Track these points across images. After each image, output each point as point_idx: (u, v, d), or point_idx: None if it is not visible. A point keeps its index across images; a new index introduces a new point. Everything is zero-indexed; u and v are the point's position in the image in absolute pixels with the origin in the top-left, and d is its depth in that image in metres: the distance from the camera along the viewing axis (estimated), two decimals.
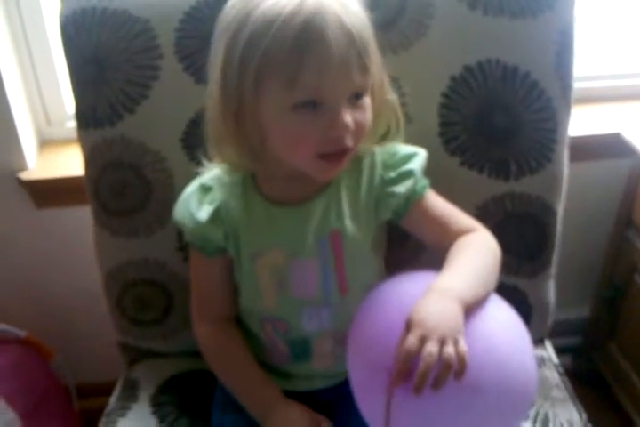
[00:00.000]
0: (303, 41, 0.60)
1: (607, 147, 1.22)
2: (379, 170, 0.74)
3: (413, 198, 0.74)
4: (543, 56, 0.84)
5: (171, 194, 0.85)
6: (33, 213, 1.17)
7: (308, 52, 0.60)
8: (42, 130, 1.18)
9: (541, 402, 0.86)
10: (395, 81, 0.75)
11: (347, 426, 0.78)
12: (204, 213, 0.74)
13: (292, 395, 0.78)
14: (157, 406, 0.88)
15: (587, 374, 1.38)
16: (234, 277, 0.79)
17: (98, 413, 0.90)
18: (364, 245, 0.75)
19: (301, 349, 0.79)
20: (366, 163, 0.75)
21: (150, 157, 0.85)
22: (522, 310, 0.69)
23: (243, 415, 0.79)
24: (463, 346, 0.56)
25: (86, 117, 0.85)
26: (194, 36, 0.82)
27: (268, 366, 0.81)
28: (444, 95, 0.84)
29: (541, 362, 0.93)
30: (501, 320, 0.65)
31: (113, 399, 0.91)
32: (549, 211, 0.88)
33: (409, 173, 0.74)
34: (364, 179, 0.74)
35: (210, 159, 0.76)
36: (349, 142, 0.65)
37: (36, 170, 1.13)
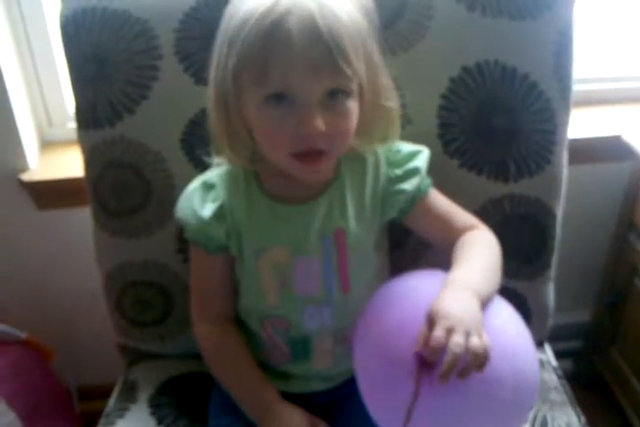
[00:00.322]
0: (270, 39, 0.61)
1: (608, 149, 1.22)
2: (383, 168, 0.75)
3: (419, 196, 0.75)
4: (542, 57, 0.84)
5: (170, 194, 0.85)
6: (34, 215, 1.18)
7: (273, 50, 0.61)
8: (43, 131, 1.19)
9: (540, 405, 0.86)
10: (393, 82, 0.75)
11: None
12: (207, 210, 0.74)
13: (289, 397, 0.78)
14: (156, 407, 0.88)
15: (588, 378, 1.37)
16: (234, 275, 0.79)
17: (98, 414, 0.90)
18: (368, 244, 0.75)
19: (301, 348, 0.79)
20: (370, 162, 0.75)
21: (150, 157, 0.85)
22: (521, 312, 0.70)
23: (239, 417, 0.78)
24: (486, 338, 0.58)
25: (86, 118, 0.85)
26: (193, 37, 0.82)
27: (267, 367, 0.81)
28: (443, 97, 0.84)
29: (540, 365, 0.92)
30: (509, 315, 0.67)
31: (112, 401, 0.91)
32: (548, 213, 0.88)
33: (415, 171, 0.74)
34: (369, 177, 0.74)
35: (215, 157, 0.77)
36: (322, 144, 0.65)
37: (38, 171, 1.13)
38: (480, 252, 0.71)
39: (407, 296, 0.66)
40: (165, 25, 0.83)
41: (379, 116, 0.71)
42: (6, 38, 1.07)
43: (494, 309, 0.65)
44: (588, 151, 1.19)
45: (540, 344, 0.96)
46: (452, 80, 0.83)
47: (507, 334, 0.64)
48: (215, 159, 0.76)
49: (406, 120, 0.78)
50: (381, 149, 0.75)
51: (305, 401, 0.78)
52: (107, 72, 0.83)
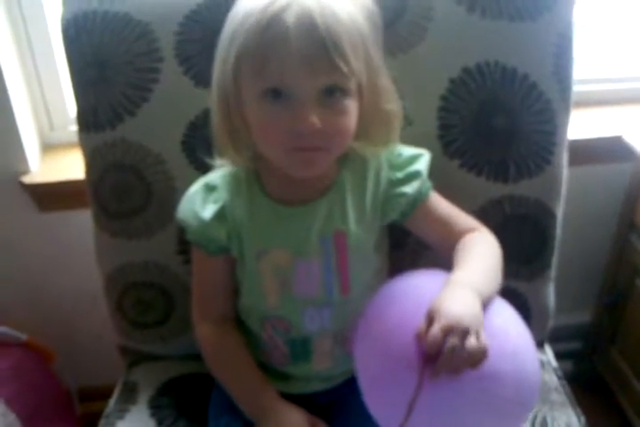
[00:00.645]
0: (268, 33, 0.61)
1: (608, 150, 1.22)
2: (384, 171, 0.75)
3: (419, 199, 0.75)
4: (542, 58, 0.84)
5: (171, 196, 0.85)
6: (35, 217, 1.18)
7: (270, 45, 0.62)
8: (45, 133, 1.19)
9: (540, 406, 0.86)
10: (393, 83, 0.75)
11: None
12: (208, 211, 0.75)
13: (289, 397, 0.78)
14: (156, 408, 0.88)
15: (588, 379, 1.37)
16: (235, 276, 0.79)
17: (99, 416, 0.90)
18: (368, 246, 0.76)
19: (301, 349, 0.79)
20: (372, 164, 0.75)
21: (151, 159, 0.86)
22: (521, 313, 0.70)
23: (239, 417, 0.79)
24: (484, 338, 0.58)
25: (87, 120, 0.86)
26: (194, 40, 0.83)
27: (267, 368, 0.81)
28: (443, 98, 0.84)
29: (541, 366, 0.92)
30: (509, 315, 0.68)
31: (112, 402, 0.91)
32: (548, 214, 0.88)
33: (416, 174, 0.75)
34: (370, 180, 0.75)
35: (217, 158, 0.77)
36: (318, 142, 0.65)
37: (39, 173, 1.13)
38: (481, 253, 0.72)
39: (409, 295, 0.67)
40: (166, 28, 0.83)
41: (379, 119, 0.71)
42: (7, 40, 1.07)
43: (495, 309, 0.66)
44: (588, 152, 1.19)
45: (540, 345, 0.96)
46: (452, 81, 0.83)
47: (507, 333, 0.64)
48: (217, 161, 0.76)
49: (406, 121, 0.78)
50: (383, 152, 0.75)
51: (304, 401, 0.78)
52: (108, 75, 0.83)
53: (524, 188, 0.86)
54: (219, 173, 0.78)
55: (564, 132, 0.87)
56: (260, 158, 0.73)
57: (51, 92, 1.16)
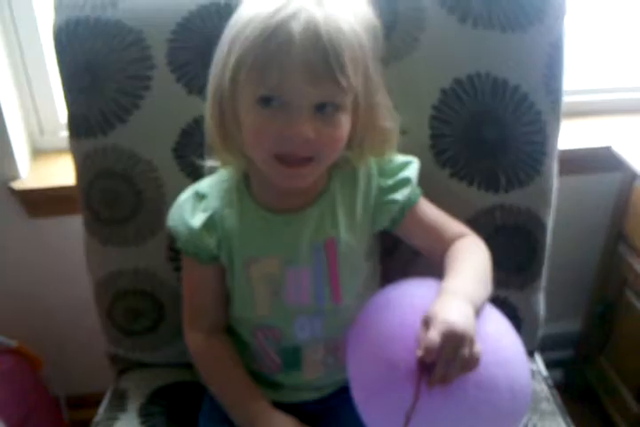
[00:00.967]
0: (271, 40, 0.61)
1: (598, 160, 1.23)
2: (375, 178, 0.75)
3: (409, 206, 0.76)
4: (533, 69, 0.84)
5: (162, 203, 0.85)
6: (25, 223, 1.17)
7: (273, 52, 0.61)
8: (35, 139, 1.18)
9: (530, 415, 0.86)
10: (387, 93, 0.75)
11: None
12: (197, 220, 0.74)
13: (280, 406, 0.78)
14: (146, 416, 0.87)
15: (578, 388, 1.37)
16: (226, 285, 0.79)
17: (87, 423, 0.90)
18: (359, 253, 0.76)
19: (292, 358, 0.79)
20: (362, 171, 0.75)
21: (142, 166, 0.85)
22: (512, 322, 0.70)
23: (230, 425, 0.78)
24: (478, 347, 0.59)
25: (78, 126, 0.85)
26: (186, 47, 0.83)
27: (258, 376, 0.81)
28: (435, 108, 0.84)
29: (531, 375, 0.93)
30: (501, 323, 0.69)
31: (101, 409, 0.90)
32: (539, 223, 0.89)
33: (405, 181, 0.75)
34: (361, 187, 0.75)
35: (209, 159, 0.77)
36: (307, 152, 0.65)
37: (29, 179, 1.13)
38: (472, 260, 0.72)
39: (403, 303, 0.67)
40: (158, 35, 0.83)
41: (374, 135, 0.71)
42: None
43: (487, 317, 0.66)
44: (578, 162, 1.20)
45: (530, 354, 0.96)
46: (444, 91, 0.84)
47: (500, 341, 0.65)
48: (208, 162, 0.76)
49: (399, 130, 0.78)
50: (373, 160, 0.76)
51: (295, 411, 0.78)
52: (99, 81, 0.83)
53: (515, 197, 0.87)
54: (208, 181, 0.78)
55: (555, 142, 0.88)
56: (252, 165, 0.73)
57: (41, 98, 1.15)
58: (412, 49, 0.83)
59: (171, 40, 0.83)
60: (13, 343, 1.20)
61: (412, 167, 0.76)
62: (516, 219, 0.88)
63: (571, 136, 1.14)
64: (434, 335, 0.58)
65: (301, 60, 0.61)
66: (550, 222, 0.90)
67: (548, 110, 0.85)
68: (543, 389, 0.91)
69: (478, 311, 0.65)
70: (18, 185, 1.11)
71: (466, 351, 0.58)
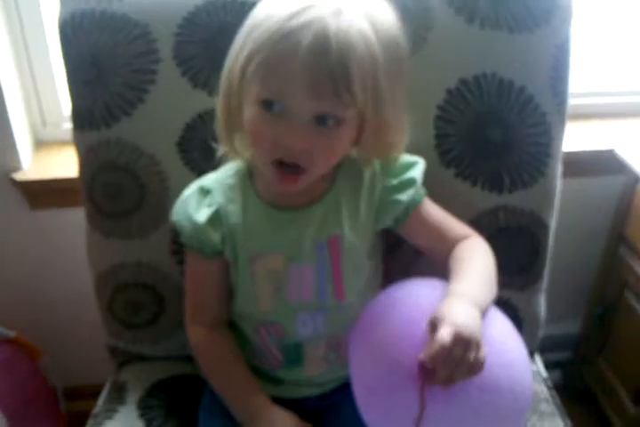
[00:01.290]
0: (280, 45, 0.60)
1: (601, 163, 1.23)
2: (380, 177, 0.75)
3: (413, 206, 0.75)
4: (539, 71, 0.84)
5: (165, 197, 0.85)
6: (26, 214, 1.17)
7: (280, 59, 0.61)
8: (37, 131, 1.18)
9: (529, 416, 0.86)
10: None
11: None
12: (202, 215, 0.74)
13: (280, 402, 0.78)
14: (145, 409, 0.87)
15: (576, 390, 1.38)
16: (229, 280, 0.79)
17: (84, 414, 0.90)
18: (362, 252, 0.76)
19: (294, 354, 0.79)
20: (367, 170, 0.75)
21: (145, 160, 0.85)
22: (513, 323, 0.71)
23: (230, 420, 0.78)
24: (483, 352, 0.59)
25: (82, 119, 0.85)
26: (192, 42, 0.82)
27: (259, 372, 0.81)
28: (440, 108, 0.84)
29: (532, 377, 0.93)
30: (506, 326, 0.69)
31: (100, 401, 0.91)
32: (541, 225, 0.89)
33: (410, 182, 0.75)
34: (365, 186, 0.75)
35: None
36: (302, 161, 0.65)
37: (31, 171, 1.13)
38: (478, 262, 0.72)
39: (409, 302, 0.67)
40: (164, 29, 0.82)
41: (376, 149, 0.71)
42: (3, 38, 1.07)
43: (492, 320, 0.66)
44: (581, 165, 1.20)
45: (530, 355, 0.96)
46: (450, 92, 0.84)
47: (504, 344, 0.65)
48: (220, 150, 0.75)
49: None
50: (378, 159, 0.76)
51: (296, 406, 0.78)
52: (104, 75, 0.83)
53: (518, 198, 0.87)
54: (213, 177, 0.78)
55: (559, 144, 0.87)
56: (255, 161, 0.73)
57: (44, 89, 1.15)
58: (419, 48, 0.83)
59: (177, 34, 0.82)
60: (11, 333, 1.20)
61: (417, 168, 0.76)
62: (520, 220, 0.88)
63: (574, 139, 1.14)
64: (443, 338, 0.57)
65: (305, 72, 0.60)
66: (553, 224, 0.90)
67: (554, 112, 0.85)
68: (543, 390, 0.91)
69: (484, 314, 0.64)
70: (20, 176, 1.11)
71: (472, 355, 0.58)
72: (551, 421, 0.86)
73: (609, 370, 1.29)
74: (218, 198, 0.75)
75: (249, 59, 0.63)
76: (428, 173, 0.77)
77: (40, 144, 1.19)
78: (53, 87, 1.15)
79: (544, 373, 0.95)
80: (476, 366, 0.58)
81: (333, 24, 0.60)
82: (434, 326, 0.60)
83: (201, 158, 0.84)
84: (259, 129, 0.65)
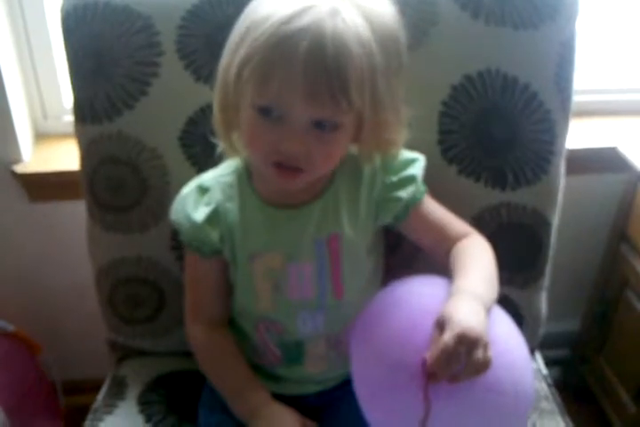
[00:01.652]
0: (277, 50, 0.59)
1: (603, 161, 1.23)
2: (379, 174, 0.75)
3: (413, 203, 0.75)
4: (544, 67, 0.84)
5: (166, 192, 0.85)
6: (26, 206, 1.17)
7: (276, 65, 0.60)
8: (38, 123, 1.18)
9: (530, 413, 0.86)
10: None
11: None
12: (200, 214, 0.74)
13: (281, 399, 0.78)
14: (145, 404, 0.87)
15: (574, 388, 1.38)
16: (228, 278, 0.79)
17: (83, 409, 0.90)
18: (361, 249, 0.75)
19: (294, 352, 0.79)
20: (367, 168, 0.75)
21: (147, 154, 0.85)
22: (514, 320, 0.70)
23: (229, 416, 0.78)
24: (489, 351, 0.58)
25: (84, 112, 0.85)
26: (195, 35, 0.82)
27: (259, 369, 0.81)
28: (444, 103, 0.84)
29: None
30: (509, 325, 0.68)
31: (100, 396, 0.90)
32: (544, 222, 0.88)
33: (411, 179, 0.74)
34: (365, 182, 0.74)
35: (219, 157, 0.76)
36: (299, 162, 0.65)
37: (31, 163, 1.12)
38: (480, 260, 0.72)
39: (410, 301, 0.66)
40: (167, 21, 0.82)
41: (376, 145, 0.70)
42: (4, 30, 1.06)
43: (496, 319, 0.65)
44: (583, 162, 1.20)
45: (530, 352, 0.96)
46: (454, 87, 0.83)
47: (507, 343, 0.65)
48: (220, 147, 0.75)
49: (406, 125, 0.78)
50: (378, 156, 0.75)
51: (296, 403, 0.78)
52: (107, 67, 0.83)
53: (521, 196, 0.87)
54: (211, 174, 0.78)
55: (563, 141, 0.87)
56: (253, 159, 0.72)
57: (45, 81, 1.15)
58: (423, 43, 0.83)
59: (180, 27, 0.82)
60: (10, 327, 1.19)
61: (417, 165, 0.75)
62: (522, 217, 0.87)
63: (577, 136, 1.13)
64: (450, 336, 0.57)
65: (302, 79, 0.59)
66: (556, 222, 0.90)
67: (558, 109, 0.85)
68: (543, 387, 0.91)
69: (488, 312, 0.64)
70: (20, 168, 1.11)
71: (479, 355, 0.57)
72: (551, 419, 0.86)
73: (609, 369, 1.29)
74: (216, 196, 0.75)
75: (244, 63, 0.62)
76: (430, 170, 0.77)
77: (41, 136, 1.18)
78: (54, 80, 1.14)
79: (544, 370, 0.95)
80: (482, 366, 0.58)
81: (330, 28, 0.59)
82: (441, 325, 0.59)
83: (202, 153, 0.84)
84: (256, 133, 0.65)
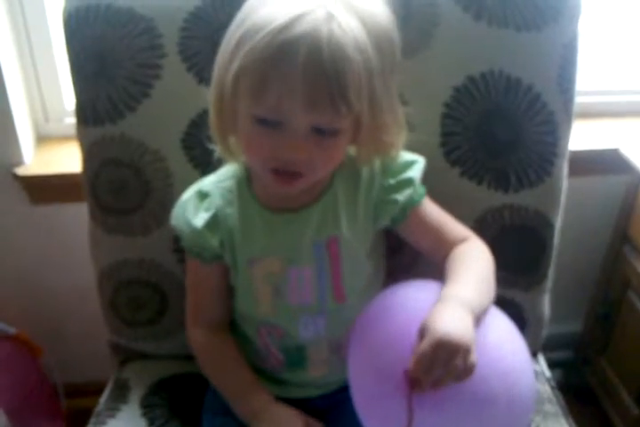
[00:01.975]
0: (275, 58, 0.59)
1: (605, 162, 1.23)
2: (378, 176, 0.74)
3: (411, 206, 0.74)
4: (546, 69, 0.84)
5: (169, 194, 0.85)
6: (28, 209, 1.17)
7: (274, 71, 0.59)
8: (40, 126, 1.18)
9: (533, 416, 0.86)
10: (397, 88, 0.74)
11: None
12: (200, 219, 0.74)
13: (284, 401, 0.78)
14: (147, 408, 0.87)
15: (577, 389, 1.37)
16: (230, 282, 0.79)
17: (85, 412, 0.89)
18: (361, 252, 0.75)
19: (296, 356, 0.79)
20: (366, 170, 0.74)
21: (150, 156, 0.85)
22: (517, 322, 0.70)
23: (233, 418, 0.78)
24: (474, 359, 0.57)
25: (86, 114, 0.84)
26: (198, 37, 0.82)
27: (262, 373, 0.81)
28: (447, 105, 0.84)
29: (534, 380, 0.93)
30: (505, 330, 0.67)
31: (103, 400, 0.90)
32: (547, 224, 0.88)
33: (408, 182, 0.74)
34: (363, 185, 0.74)
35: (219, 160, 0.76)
36: (299, 168, 0.65)
37: (33, 165, 1.12)
38: (474, 265, 0.71)
39: (401, 310, 0.66)
40: (170, 24, 0.82)
41: (375, 147, 0.70)
42: (6, 31, 1.06)
43: (489, 324, 0.64)
44: (585, 164, 1.20)
45: (533, 355, 0.96)
46: (457, 89, 0.83)
47: (501, 350, 0.63)
48: (217, 153, 0.75)
49: (409, 127, 0.78)
50: (377, 158, 0.74)
51: (299, 406, 0.78)
52: (109, 69, 0.82)
53: (524, 197, 0.86)
54: (211, 179, 0.77)
55: (566, 143, 0.87)
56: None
57: (47, 84, 1.14)
58: (425, 45, 0.83)
59: (182, 29, 0.82)
60: (12, 330, 1.19)
61: (416, 167, 0.75)
62: (525, 219, 0.87)
63: (579, 137, 1.13)
64: (425, 348, 0.56)
65: (302, 86, 0.59)
66: (559, 224, 0.90)
67: (561, 111, 0.85)
68: (546, 390, 0.91)
69: (479, 318, 0.63)
70: (21, 171, 1.11)
71: (459, 362, 0.56)
72: (555, 421, 0.86)
73: (611, 370, 1.29)
74: (216, 202, 0.75)
75: (241, 74, 0.62)
76: (433, 172, 0.77)
77: (42, 139, 1.18)
78: (56, 82, 1.14)
79: (547, 373, 0.95)
80: (464, 373, 0.57)
81: (325, 34, 0.58)
82: (422, 333, 0.58)
83: (205, 155, 0.84)
84: (254, 140, 0.65)
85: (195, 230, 0.74)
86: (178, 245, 0.86)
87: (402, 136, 0.71)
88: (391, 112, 0.67)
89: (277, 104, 0.60)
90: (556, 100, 0.84)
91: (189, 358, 0.84)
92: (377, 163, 0.74)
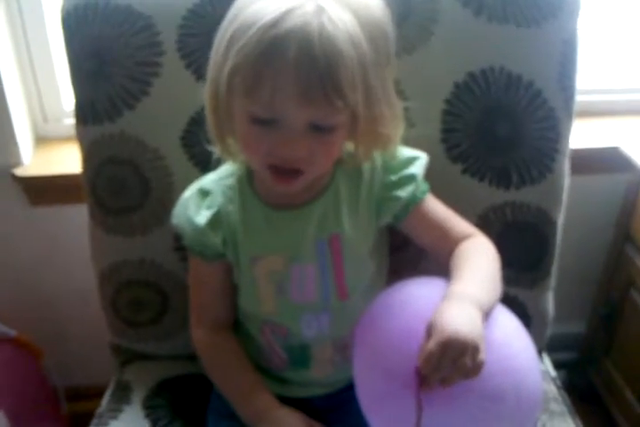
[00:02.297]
0: (266, 55, 0.59)
1: (606, 161, 1.22)
2: (379, 173, 0.74)
3: (413, 202, 0.74)
4: (547, 65, 0.84)
5: (169, 193, 0.84)
6: (27, 210, 1.16)
7: (266, 68, 0.59)
8: (38, 126, 1.17)
9: (539, 415, 0.85)
10: (397, 84, 0.74)
11: None
12: (202, 217, 0.73)
13: (287, 401, 0.77)
14: (150, 409, 0.87)
15: (581, 390, 1.37)
16: (233, 280, 0.78)
17: (86, 415, 0.89)
18: (363, 249, 0.75)
19: (300, 355, 0.78)
20: (366, 166, 0.74)
21: (149, 154, 0.84)
22: (521, 320, 0.69)
23: (238, 422, 0.77)
24: (482, 356, 0.57)
25: (85, 113, 0.84)
26: (196, 34, 0.81)
27: (266, 372, 0.80)
28: (447, 101, 0.83)
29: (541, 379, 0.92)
30: (512, 327, 0.67)
31: (105, 401, 0.89)
32: (549, 221, 0.88)
33: (410, 178, 0.73)
34: (365, 182, 0.74)
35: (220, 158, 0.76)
36: (298, 164, 0.64)
37: (32, 166, 1.12)
38: (479, 261, 0.70)
39: (406, 307, 0.65)
40: (168, 21, 0.82)
41: (374, 140, 0.70)
42: (3, 32, 1.06)
43: (497, 321, 0.64)
44: (586, 162, 1.19)
45: (538, 353, 0.95)
46: (457, 85, 0.83)
47: (510, 347, 0.63)
48: (215, 154, 0.75)
49: (409, 124, 0.77)
50: (378, 155, 0.74)
51: (303, 405, 0.78)
52: (107, 67, 0.82)
53: (526, 194, 0.86)
54: (212, 177, 0.77)
55: (567, 140, 0.87)
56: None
57: (45, 84, 1.14)
58: (426, 41, 0.82)
59: (181, 26, 0.82)
60: (12, 333, 1.19)
61: (418, 164, 0.74)
62: (527, 216, 0.87)
63: (579, 136, 1.13)
64: (433, 346, 0.56)
65: (295, 81, 0.59)
66: (561, 220, 0.89)
67: (562, 107, 0.85)
68: (552, 389, 0.90)
69: (488, 315, 0.62)
70: (20, 172, 1.11)
71: (467, 360, 0.56)
72: (562, 420, 0.85)
73: (615, 371, 1.28)
74: (218, 199, 0.74)
75: (234, 73, 0.61)
76: (434, 169, 0.76)
77: (41, 140, 1.18)
78: (54, 82, 1.14)
79: (553, 372, 0.94)
80: (472, 371, 0.56)
81: (316, 28, 0.58)
82: (429, 332, 0.58)
83: (205, 153, 0.83)
84: (251, 139, 0.64)
85: (197, 228, 0.73)
86: (179, 244, 0.86)
87: (399, 129, 0.71)
88: (387, 104, 0.67)
89: (271, 100, 0.60)
90: (556, 97, 0.84)
91: (191, 358, 0.83)
92: (378, 160, 0.74)
